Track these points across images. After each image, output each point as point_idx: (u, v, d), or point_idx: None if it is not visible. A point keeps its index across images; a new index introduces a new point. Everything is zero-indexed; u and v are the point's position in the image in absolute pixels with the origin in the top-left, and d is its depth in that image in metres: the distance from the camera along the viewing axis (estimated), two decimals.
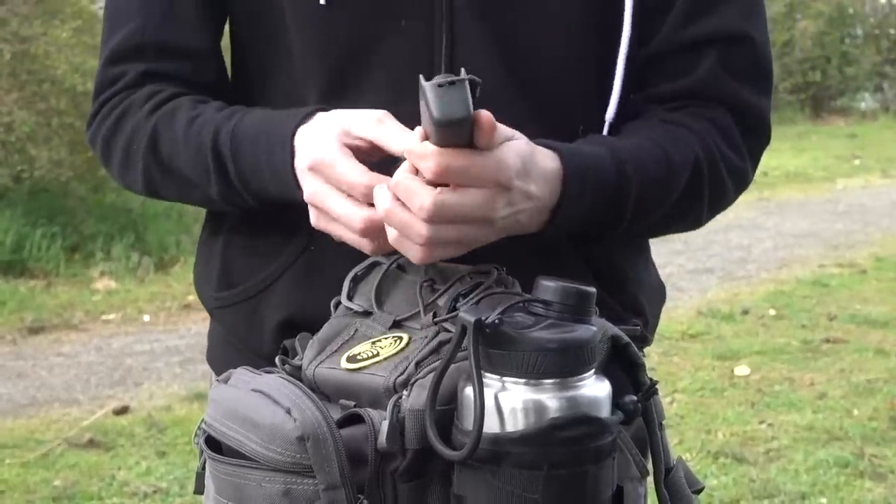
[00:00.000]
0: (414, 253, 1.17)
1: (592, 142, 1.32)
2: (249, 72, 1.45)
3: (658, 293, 1.52)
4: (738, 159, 1.40)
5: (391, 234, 1.17)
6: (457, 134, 1.10)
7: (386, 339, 1.21)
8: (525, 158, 1.18)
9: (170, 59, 1.42)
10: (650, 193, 1.31)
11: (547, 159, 1.22)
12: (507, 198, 1.16)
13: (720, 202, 1.42)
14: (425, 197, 1.12)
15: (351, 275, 1.29)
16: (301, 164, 1.25)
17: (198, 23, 1.42)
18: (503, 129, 1.16)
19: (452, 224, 1.15)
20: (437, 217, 1.13)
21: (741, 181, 1.43)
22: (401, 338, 1.21)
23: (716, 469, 4.35)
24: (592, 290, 1.11)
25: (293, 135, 1.26)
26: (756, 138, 1.43)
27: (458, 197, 1.13)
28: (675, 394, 5.16)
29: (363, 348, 1.21)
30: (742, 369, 5.54)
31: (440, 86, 1.07)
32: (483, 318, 1.05)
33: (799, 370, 5.55)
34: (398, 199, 1.15)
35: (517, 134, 1.19)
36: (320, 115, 1.27)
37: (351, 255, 1.28)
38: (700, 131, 1.37)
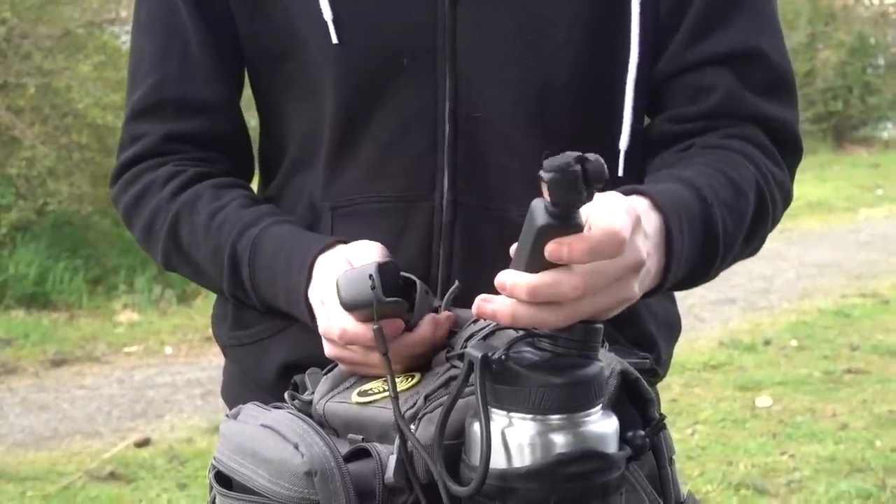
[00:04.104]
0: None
1: (658, 179, 1.30)
2: (266, 113, 1.47)
3: (671, 328, 1.50)
4: (781, 174, 1.39)
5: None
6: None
7: (398, 377, 1.21)
8: (633, 215, 1.10)
9: (188, 116, 1.45)
10: (731, 217, 1.29)
11: (643, 205, 1.19)
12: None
13: (776, 220, 1.41)
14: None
15: None
16: (314, 294, 1.27)
17: (213, 75, 1.45)
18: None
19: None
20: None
21: (787, 196, 1.42)
22: (413, 375, 1.21)
23: (737, 501, 4.33)
24: (599, 325, 1.10)
25: (313, 262, 1.28)
26: (789, 153, 1.42)
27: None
28: (697, 425, 5.13)
29: (376, 385, 1.22)
30: (764, 400, 5.50)
31: None
32: (489, 353, 1.06)
33: (821, 401, 5.51)
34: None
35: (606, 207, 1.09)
36: (339, 248, 1.28)
37: None
38: (744, 152, 1.36)
